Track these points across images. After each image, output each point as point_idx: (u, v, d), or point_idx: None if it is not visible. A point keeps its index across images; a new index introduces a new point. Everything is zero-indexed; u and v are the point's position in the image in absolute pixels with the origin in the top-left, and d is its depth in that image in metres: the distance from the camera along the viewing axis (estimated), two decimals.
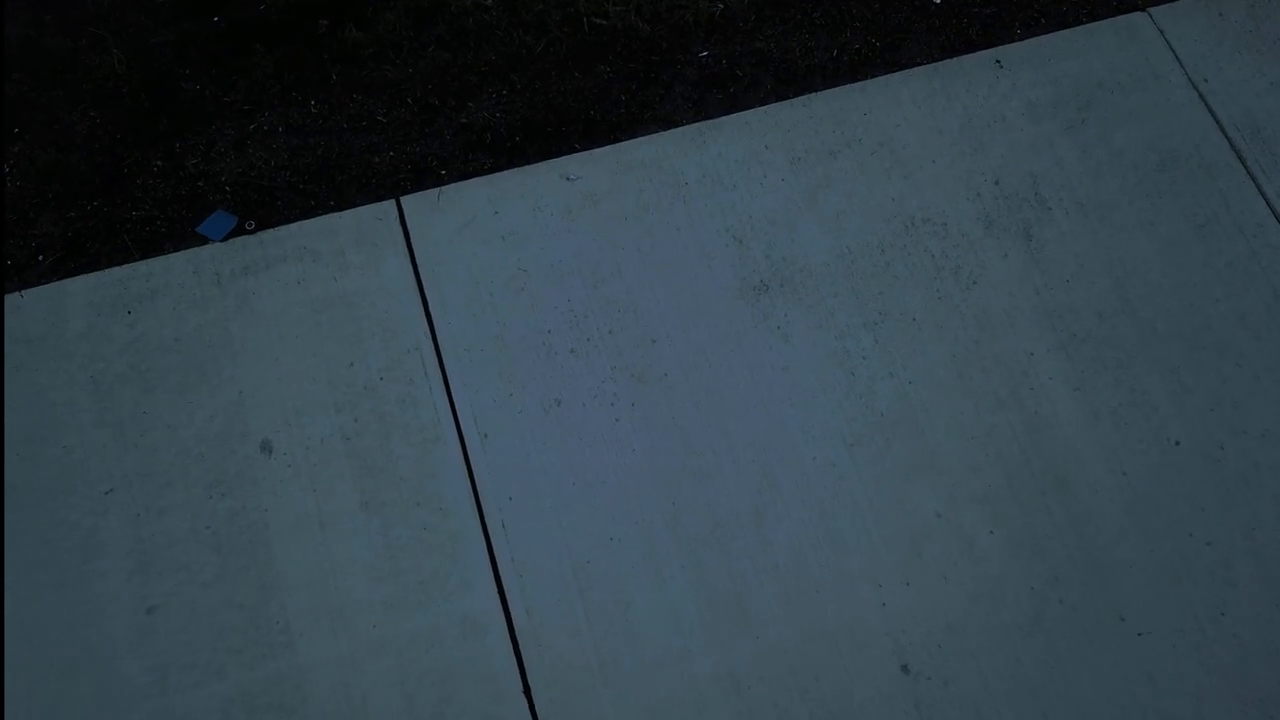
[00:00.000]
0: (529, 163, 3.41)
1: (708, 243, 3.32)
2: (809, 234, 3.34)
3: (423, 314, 3.22)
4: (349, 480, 3.03)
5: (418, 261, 3.28)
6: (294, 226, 3.33)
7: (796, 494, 3.04)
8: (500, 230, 3.33)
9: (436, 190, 3.37)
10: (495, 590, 2.93)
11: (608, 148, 3.45)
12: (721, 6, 3.63)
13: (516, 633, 2.89)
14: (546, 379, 3.15)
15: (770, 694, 2.85)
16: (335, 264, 3.27)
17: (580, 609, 2.91)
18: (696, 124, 3.49)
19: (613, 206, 3.37)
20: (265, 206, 3.34)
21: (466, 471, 3.05)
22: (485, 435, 3.09)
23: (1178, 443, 3.11)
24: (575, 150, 3.43)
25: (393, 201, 3.37)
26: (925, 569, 2.97)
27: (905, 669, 2.88)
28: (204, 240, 3.27)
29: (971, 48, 3.60)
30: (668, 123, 3.48)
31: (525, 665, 2.87)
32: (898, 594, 2.94)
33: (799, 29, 3.63)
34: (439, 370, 3.15)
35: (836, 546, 2.99)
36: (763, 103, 3.51)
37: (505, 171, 3.41)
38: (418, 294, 3.24)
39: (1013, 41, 3.61)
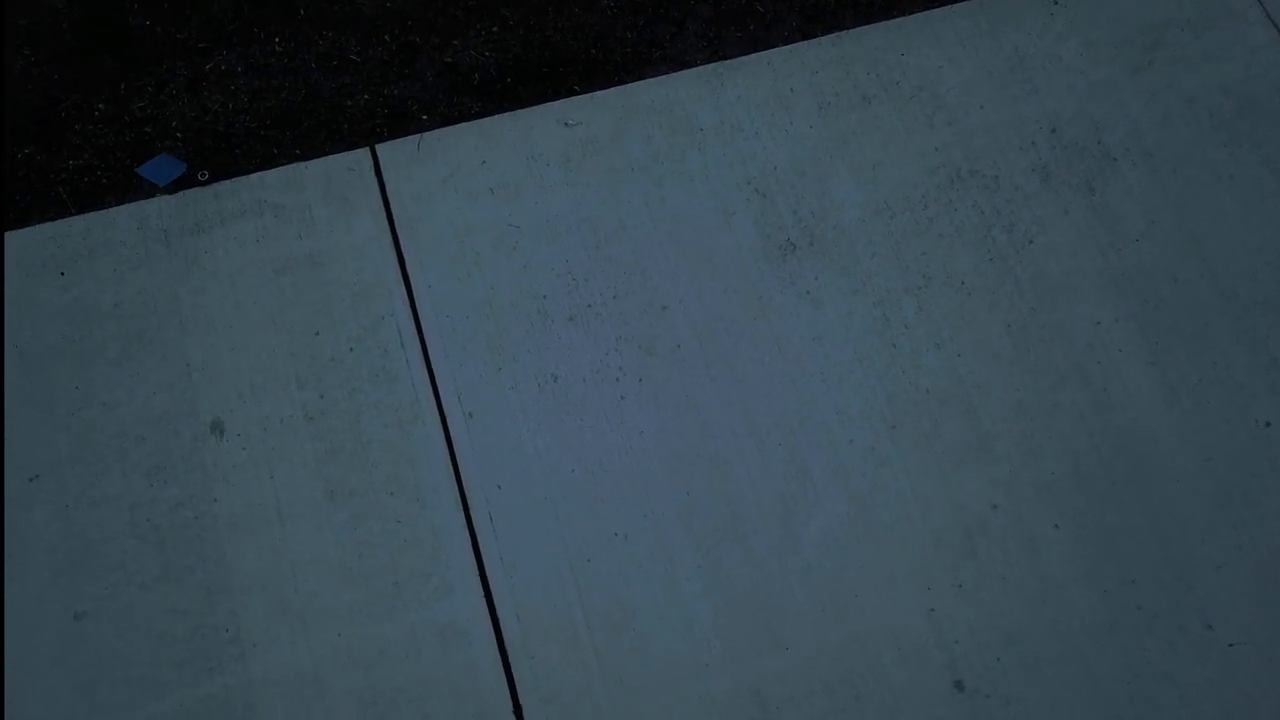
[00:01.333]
0: (522, 107, 3.03)
1: (726, 196, 2.94)
2: (841, 187, 2.95)
3: (400, 276, 2.83)
4: (312, 466, 2.63)
5: (394, 217, 2.89)
6: (253, 177, 2.94)
7: (830, 483, 2.65)
8: (488, 182, 2.94)
9: (417, 137, 2.98)
10: (481, 593, 2.54)
11: (611, 90, 3.06)
12: None
13: (505, 643, 2.50)
14: (541, 351, 2.76)
15: (801, 716, 2.46)
16: (300, 220, 2.88)
17: (579, 615, 2.52)
18: (712, 65, 3.10)
19: (617, 155, 2.98)
20: (221, 155, 2.95)
21: (449, 456, 2.66)
22: (470, 415, 2.70)
23: (1268, 424, 2.72)
24: (574, 93, 3.05)
25: (367, 150, 2.97)
26: (980, 570, 2.58)
27: (959, 686, 2.49)
28: (148, 190, 2.88)
29: None
30: (679, 63, 3.09)
31: (515, 680, 2.48)
32: (949, 598, 2.55)
33: None
34: (418, 340, 2.76)
35: (877, 543, 2.60)
36: (787, 41, 3.13)
37: (495, 116, 3.02)
38: (394, 254, 2.85)
39: None
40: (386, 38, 3.10)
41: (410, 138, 2.98)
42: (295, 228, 2.87)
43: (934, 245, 2.89)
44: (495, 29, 3.12)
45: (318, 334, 2.76)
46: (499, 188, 2.93)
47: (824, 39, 3.15)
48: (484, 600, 2.53)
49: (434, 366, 2.74)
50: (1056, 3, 3.19)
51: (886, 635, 2.52)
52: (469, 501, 2.62)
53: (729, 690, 2.48)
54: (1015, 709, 2.47)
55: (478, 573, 2.56)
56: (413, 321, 2.79)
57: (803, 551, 2.59)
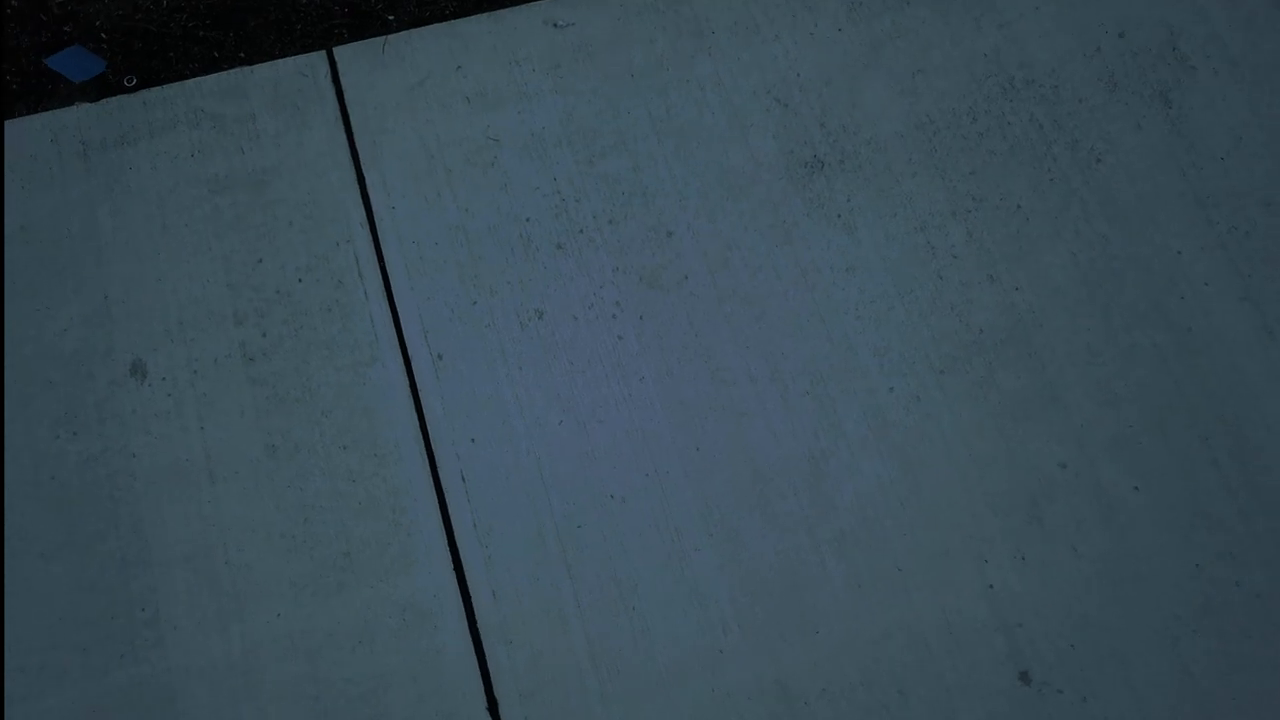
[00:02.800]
0: (504, 7, 2.62)
1: (742, 107, 2.53)
2: (876, 97, 2.54)
3: (358, 197, 2.42)
4: (251, 415, 2.22)
5: (353, 129, 2.48)
6: (189, 83, 2.53)
7: (868, 438, 2.24)
8: (465, 90, 2.53)
9: (381, 40, 2.57)
10: (450, 566, 2.13)
11: None
12: None
13: (479, 626, 2.09)
14: (524, 283, 2.35)
15: (835, 714, 2.05)
16: (243, 132, 2.47)
17: (568, 592, 2.12)
18: None
19: (615, 60, 2.57)
20: (152, 58, 2.54)
21: (413, 405, 2.25)
22: (439, 356, 2.29)
23: None
24: None
25: (323, 54, 2.57)
26: (1047, 540, 2.17)
27: (1025, 678, 2.08)
28: (65, 97, 2.46)
29: None
30: None
31: (490, 671, 2.07)
32: (1011, 574, 2.14)
33: None
34: (378, 270, 2.35)
35: (924, 509, 2.19)
36: None
37: (473, 17, 2.61)
38: (352, 171, 2.44)
39: None
40: None
41: (374, 40, 2.58)
42: (236, 141, 2.46)
43: (984, 164, 2.48)
44: None
45: (260, 262, 2.35)
46: (476, 97, 2.52)
47: None
48: (453, 574, 2.12)
49: (397, 300, 2.33)
50: None
51: (937, 618, 2.11)
52: (436, 457, 2.21)
53: (748, 684, 2.07)
54: (1093, 707, 2.06)
55: (446, 542, 2.15)
56: (373, 248, 2.38)
57: (836, 518, 2.18)
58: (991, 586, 2.14)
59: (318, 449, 2.20)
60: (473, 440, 2.22)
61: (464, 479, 2.19)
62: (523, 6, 2.63)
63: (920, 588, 2.13)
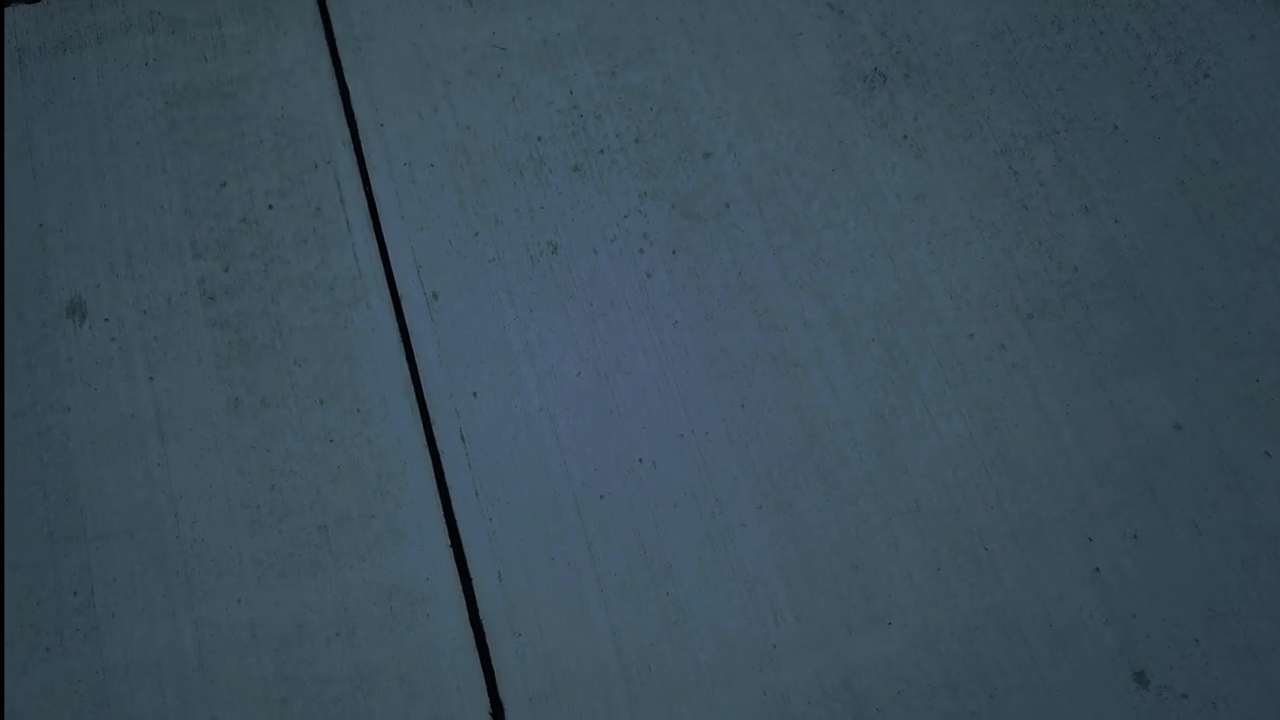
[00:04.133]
0: None
1: (790, 13, 2.18)
2: (945, 3, 2.20)
3: (340, 111, 2.08)
4: (210, 363, 1.88)
5: (335, 35, 2.14)
6: None
7: (945, 392, 1.90)
8: None
9: None
10: (447, 543, 1.79)
11: None
12: None
13: (481, 615, 1.75)
14: (535, 211, 2.01)
15: None
16: (207, 39, 2.13)
17: (589, 574, 1.77)
18: None
19: None
20: None
21: (404, 352, 1.90)
22: (434, 296, 1.94)
23: None
24: None
25: None
26: (1164, 515, 1.82)
27: (1141, 679, 1.74)
28: None
29: None
30: None
31: (494, 670, 1.72)
32: (1121, 555, 1.80)
33: None
34: (363, 196, 2.01)
35: (1014, 476, 1.84)
36: None
37: None
38: (334, 81, 2.10)
39: None
40: None
41: None
42: (199, 47, 2.12)
43: (1074, 78, 2.13)
44: None
45: (224, 186, 2.01)
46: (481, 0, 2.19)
47: None
48: (450, 553, 1.78)
49: (385, 231, 1.98)
50: None
51: (1033, 607, 1.77)
52: (431, 414, 1.86)
53: (806, 684, 1.72)
54: (1224, 716, 1.72)
55: (442, 514, 1.80)
56: (357, 171, 2.03)
57: (909, 486, 1.83)
58: (1098, 570, 1.79)
59: (289, 403, 1.86)
60: (474, 394, 1.87)
61: (464, 439, 1.84)
62: None
63: (1012, 570, 1.79)
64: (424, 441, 1.84)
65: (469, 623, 1.74)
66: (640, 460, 1.84)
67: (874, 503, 1.82)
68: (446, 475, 1.82)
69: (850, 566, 1.79)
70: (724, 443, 1.86)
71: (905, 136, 2.08)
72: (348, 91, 2.08)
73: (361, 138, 2.05)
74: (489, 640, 1.73)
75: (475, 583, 1.76)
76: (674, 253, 1.98)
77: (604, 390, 1.88)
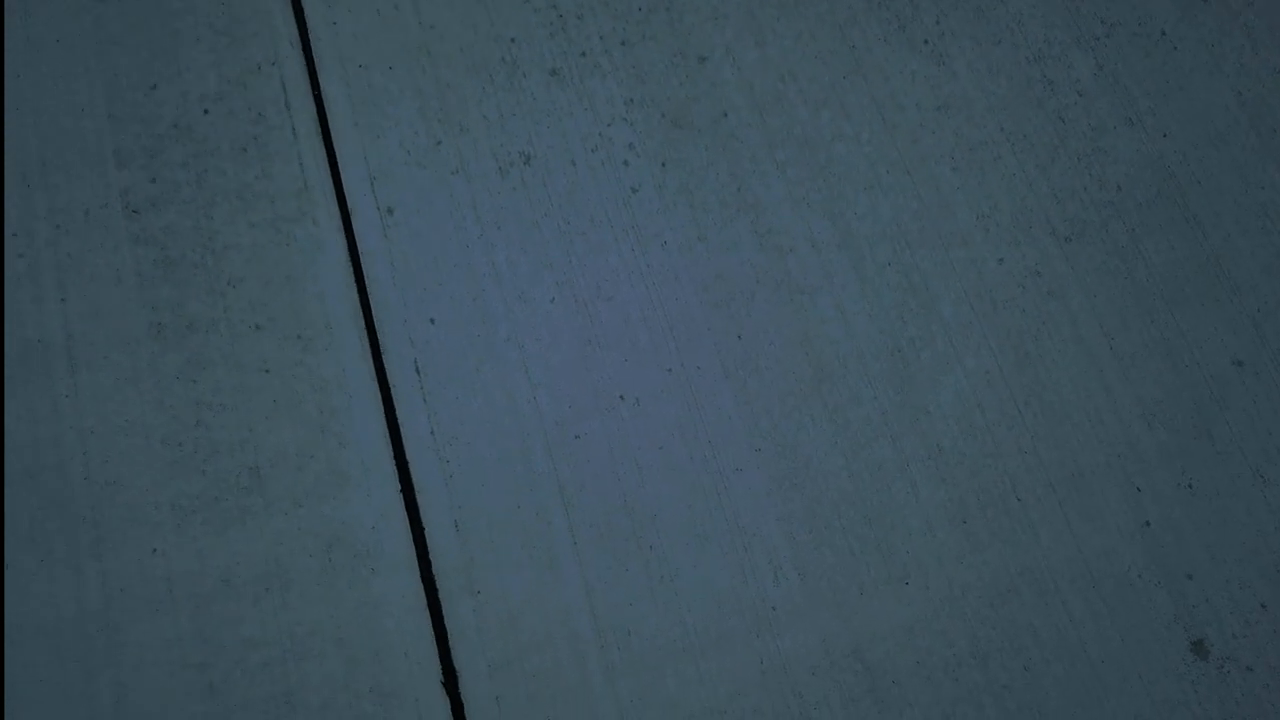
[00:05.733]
0: None
1: None
2: None
3: (289, 8, 1.86)
4: (131, 284, 1.66)
5: None
6: None
7: (972, 323, 1.68)
8: None
9: None
10: (396, 487, 1.57)
11: None
12: None
13: (435, 570, 1.53)
14: (505, 118, 1.79)
15: (935, 696, 1.49)
16: None
17: (561, 524, 1.55)
18: None
19: None
20: None
21: (352, 273, 1.68)
22: (389, 211, 1.72)
23: None
24: None
25: None
26: (1223, 462, 1.61)
27: (1199, 649, 1.51)
28: None
29: None
30: None
31: (449, 632, 1.50)
32: (1175, 507, 1.58)
33: None
34: (312, 100, 1.79)
35: (1052, 418, 1.62)
36: None
37: None
38: None
39: None
40: None
41: None
42: None
43: None
44: None
45: (155, 88, 1.79)
46: None
47: None
48: (400, 498, 1.56)
49: (335, 139, 1.76)
50: None
51: (1075, 566, 1.55)
52: (381, 342, 1.64)
53: (811, 652, 1.50)
54: None
55: (391, 453, 1.58)
56: (305, 73, 1.81)
57: (930, 428, 1.61)
58: (1148, 524, 1.57)
59: (220, 328, 1.64)
60: (432, 321, 1.65)
61: (419, 371, 1.62)
62: None
63: (1050, 524, 1.56)
64: (373, 373, 1.62)
65: (420, 579, 1.52)
66: (622, 397, 1.62)
67: (890, 446, 1.60)
68: (398, 411, 1.60)
69: (862, 518, 1.57)
70: (718, 378, 1.64)
71: (926, 41, 1.86)
72: None
73: (311, 37, 1.83)
74: (443, 599, 1.51)
75: (428, 533, 1.54)
76: (663, 165, 1.76)
77: (581, 318, 1.66)
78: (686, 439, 1.60)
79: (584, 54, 1.83)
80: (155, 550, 1.51)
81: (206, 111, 1.77)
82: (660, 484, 1.58)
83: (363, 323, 1.65)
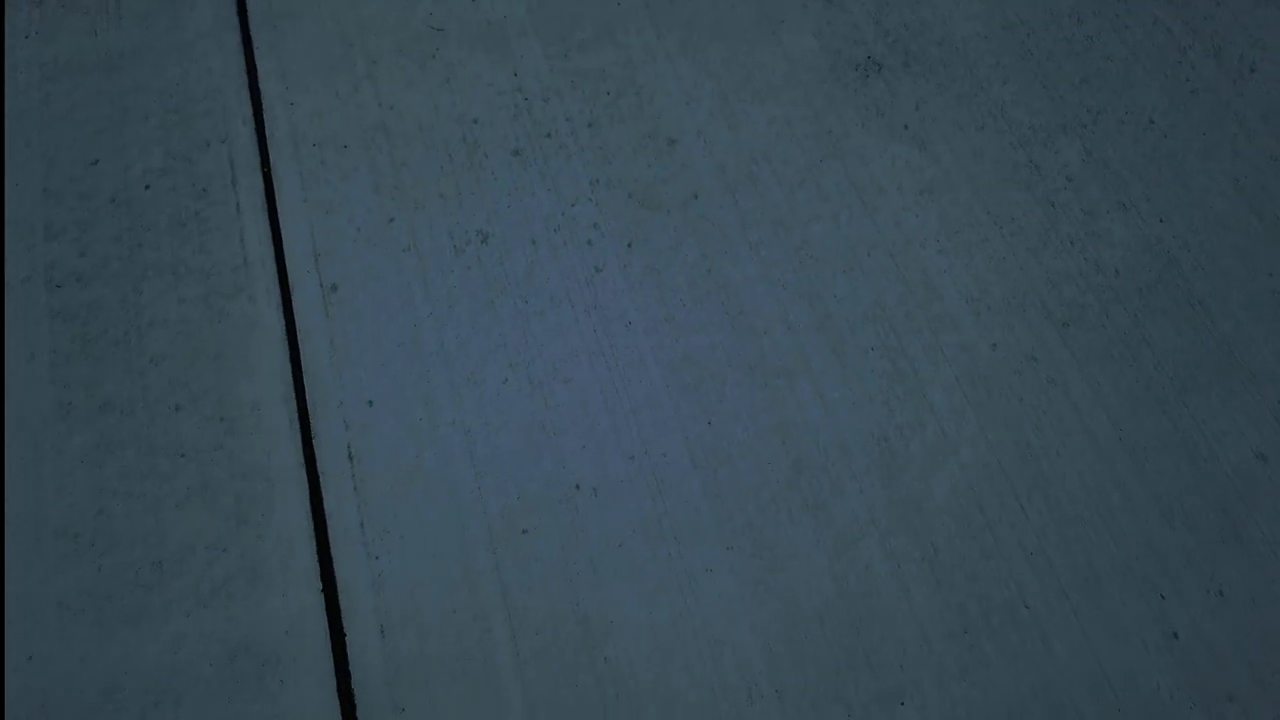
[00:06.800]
0: None
1: (774, 1, 1.96)
2: None
3: (245, 89, 1.81)
4: (44, 360, 1.53)
5: (249, 11, 1.90)
6: None
7: (965, 411, 1.54)
8: None
9: None
10: (318, 586, 1.39)
11: None
12: None
13: (353, 682, 1.33)
14: (464, 196, 1.71)
15: None
16: (102, 12, 1.89)
17: (503, 633, 1.36)
18: None
19: None
20: None
21: (288, 350, 1.56)
22: (333, 288, 1.61)
23: None
24: None
25: None
26: (1256, 566, 1.43)
27: None
28: None
29: None
30: None
31: None
32: (1206, 618, 1.39)
33: None
34: (260, 176, 1.72)
35: (1060, 517, 1.46)
36: None
37: None
38: (241, 58, 1.84)
39: None
40: None
41: None
42: (90, 20, 1.88)
43: (1099, 70, 1.88)
44: None
45: (96, 164, 1.72)
46: None
47: None
48: (321, 599, 1.38)
49: (281, 214, 1.68)
50: None
51: (1093, 683, 1.35)
52: (313, 425, 1.50)
53: None
54: None
55: (314, 549, 1.41)
56: (257, 150, 1.74)
57: (924, 525, 1.45)
58: (1176, 636, 1.38)
59: (137, 409, 1.50)
60: (370, 403, 1.52)
61: (352, 458, 1.47)
62: None
63: (1064, 636, 1.38)
64: (301, 459, 1.47)
65: (337, 693, 1.32)
66: (577, 487, 1.46)
67: (878, 545, 1.43)
68: (325, 501, 1.44)
69: (849, 627, 1.38)
70: (685, 467, 1.48)
71: (906, 127, 1.81)
72: (255, 68, 1.83)
73: (266, 116, 1.78)
74: (361, 717, 1.30)
75: (349, 640, 1.35)
76: (629, 245, 1.66)
77: (535, 400, 1.52)
78: (649, 535, 1.43)
79: (549, 135, 1.77)
80: (30, 657, 1.32)
81: (148, 187, 1.69)
82: (618, 586, 1.40)
83: (294, 404, 1.51)
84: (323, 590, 1.38)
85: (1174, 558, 1.43)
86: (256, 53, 1.85)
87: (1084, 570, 1.42)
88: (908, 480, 1.48)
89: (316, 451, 1.48)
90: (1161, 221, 1.71)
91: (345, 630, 1.35)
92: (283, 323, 1.58)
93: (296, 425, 1.50)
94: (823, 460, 1.49)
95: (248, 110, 1.79)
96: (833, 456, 1.49)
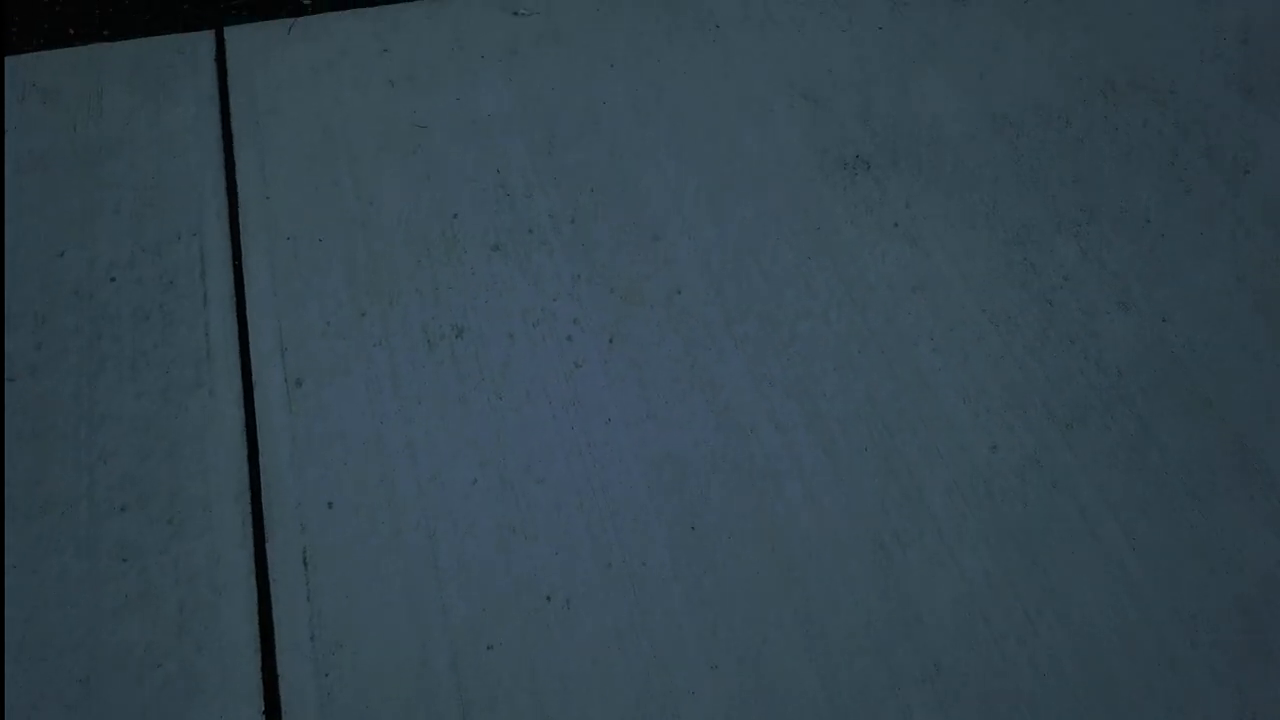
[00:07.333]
0: None
1: (759, 99, 1.96)
2: (933, 94, 1.98)
3: (222, 182, 1.79)
4: None
5: (231, 108, 1.90)
6: (26, 57, 1.98)
7: (965, 516, 1.45)
8: (389, 73, 1.98)
9: (289, 21, 2.06)
10: (260, 706, 1.26)
11: None
12: None
13: None
14: (441, 290, 1.66)
15: None
16: (81, 108, 1.89)
17: None
18: None
19: (590, 46, 2.04)
20: None
21: (245, 447, 1.48)
22: (298, 383, 1.54)
23: None
24: None
25: (210, 32, 2.05)
26: None
27: None
28: None
29: None
30: None
31: None
32: None
33: None
34: (230, 270, 1.67)
35: (1070, 629, 1.35)
36: None
37: (411, 3, 2.12)
38: (220, 153, 1.83)
39: None
40: None
41: (281, 21, 2.07)
42: (70, 117, 1.87)
43: (1091, 170, 1.87)
44: None
45: (62, 255, 1.68)
46: (404, 80, 1.96)
47: None
48: (262, 719, 1.26)
49: (249, 306, 1.62)
50: None
51: None
52: (267, 528, 1.40)
53: None
54: None
55: (259, 665, 1.30)
56: (229, 243, 1.70)
57: (924, 642, 1.34)
58: None
59: (79, 508, 1.41)
60: (330, 505, 1.43)
61: (307, 563, 1.37)
62: None
63: None
64: (252, 564, 1.37)
65: None
66: (549, 597, 1.36)
67: (877, 662, 1.32)
68: (275, 610, 1.33)
69: None
70: (667, 577, 1.38)
71: (896, 224, 1.77)
72: (234, 163, 1.81)
73: (241, 208, 1.75)
74: None
75: None
76: (611, 341, 1.61)
77: (506, 502, 1.43)
78: (627, 651, 1.32)
79: (530, 230, 1.74)
80: None
81: (113, 279, 1.65)
82: (592, 707, 1.28)
83: (248, 505, 1.42)
84: (264, 711, 1.26)
85: (1201, 678, 1.32)
86: (237, 146, 1.84)
87: (1102, 692, 1.30)
88: (906, 591, 1.38)
89: (269, 556, 1.38)
90: (1164, 321, 1.66)
91: None
92: (243, 418, 1.51)
93: (249, 527, 1.40)
94: (815, 568, 1.39)
95: (223, 203, 1.76)
96: (826, 564, 1.40)
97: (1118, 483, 1.48)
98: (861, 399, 1.55)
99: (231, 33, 2.03)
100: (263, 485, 1.44)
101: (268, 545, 1.38)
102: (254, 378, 1.54)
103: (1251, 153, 1.90)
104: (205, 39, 2.02)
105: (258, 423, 1.50)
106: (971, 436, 1.52)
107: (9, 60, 1.97)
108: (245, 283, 1.65)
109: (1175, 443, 1.52)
